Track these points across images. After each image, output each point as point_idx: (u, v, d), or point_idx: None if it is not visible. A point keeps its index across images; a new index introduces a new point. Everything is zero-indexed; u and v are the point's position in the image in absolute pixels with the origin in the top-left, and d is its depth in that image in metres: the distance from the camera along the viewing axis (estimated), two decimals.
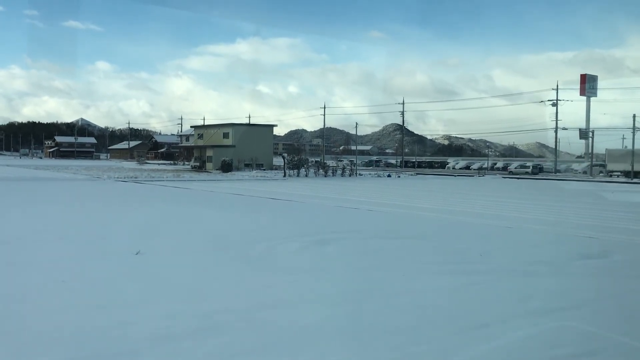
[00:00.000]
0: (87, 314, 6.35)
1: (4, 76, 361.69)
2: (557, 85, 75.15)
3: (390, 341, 5.63)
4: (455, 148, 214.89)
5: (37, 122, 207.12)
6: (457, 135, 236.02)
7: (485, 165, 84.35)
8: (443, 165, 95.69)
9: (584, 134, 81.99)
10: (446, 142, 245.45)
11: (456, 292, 7.74)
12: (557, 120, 74.68)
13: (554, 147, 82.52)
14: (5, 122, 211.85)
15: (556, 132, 75.13)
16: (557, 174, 69.00)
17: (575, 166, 76.21)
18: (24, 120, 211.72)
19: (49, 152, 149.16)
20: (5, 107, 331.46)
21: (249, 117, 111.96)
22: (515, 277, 8.86)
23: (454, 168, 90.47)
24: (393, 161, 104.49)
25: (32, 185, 31.93)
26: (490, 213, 19.53)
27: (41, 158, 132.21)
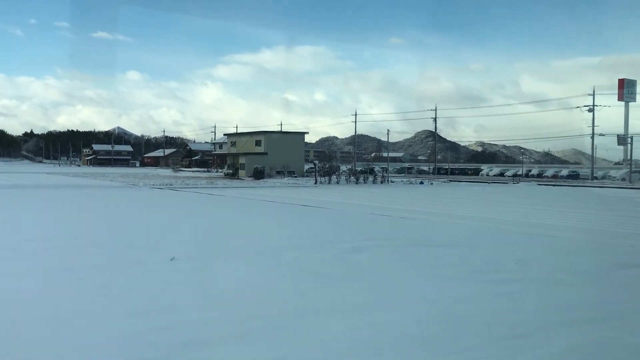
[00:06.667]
0: (122, 319, 6.45)
1: (39, 86, 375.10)
2: (594, 91, 73.41)
3: (426, 351, 5.56)
4: (488, 155, 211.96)
5: (75, 130, 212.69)
6: (490, 142, 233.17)
7: (520, 172, 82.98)
8: (477, 172, 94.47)
9: (623, 139, 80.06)
10: (479, 149, 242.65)
11: (492, 301, 7.60)
12: (593, 126, 72.80)
13: (590, 153, 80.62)
14: (43, 131, 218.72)
15: (592, 138, 73.22)
16: (595, 180, 67.37)
17: (613, 173, 74.25)
18: (60, 129, 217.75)
19: (87, 160, 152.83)
20: (41, 116, 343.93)
21: (281, 124, 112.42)
22: (553, 286, 8.65)
23: (487, 175, 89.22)
24: (425, 168, 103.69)
25: (69, 192, 32.72)
26: (526, 221, 19.16)
27: (79, 166, 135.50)
